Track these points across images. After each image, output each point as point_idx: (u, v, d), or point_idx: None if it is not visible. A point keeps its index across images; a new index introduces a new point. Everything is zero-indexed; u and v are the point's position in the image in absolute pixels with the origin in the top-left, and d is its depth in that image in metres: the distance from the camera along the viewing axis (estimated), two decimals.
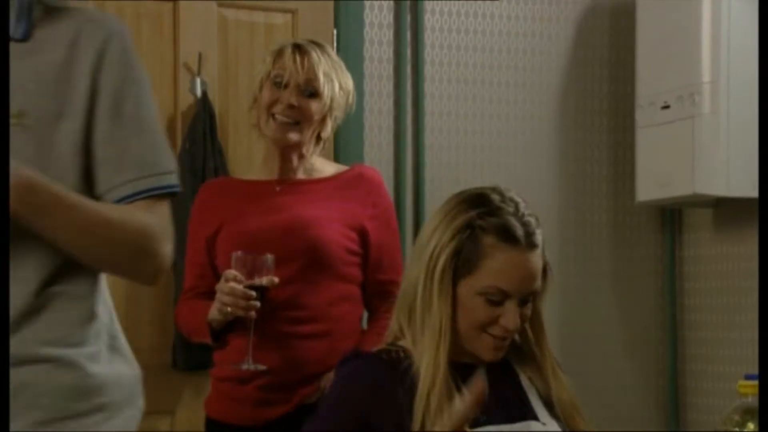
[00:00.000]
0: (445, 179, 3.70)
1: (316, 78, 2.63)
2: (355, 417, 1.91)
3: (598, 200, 3.94)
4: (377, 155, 3.63)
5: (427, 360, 1.90)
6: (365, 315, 2.81)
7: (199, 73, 3.45)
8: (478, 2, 3.82)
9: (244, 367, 2.58)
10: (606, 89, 3.97)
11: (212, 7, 3.51)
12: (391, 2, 3.70)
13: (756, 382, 1.88)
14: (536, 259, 1.94)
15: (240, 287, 2.52)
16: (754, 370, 3.44)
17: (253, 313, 2.54)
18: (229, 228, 2.69)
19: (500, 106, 3.84)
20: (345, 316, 2.67)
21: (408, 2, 3.72)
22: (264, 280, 2.53)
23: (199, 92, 3.43)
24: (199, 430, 3.42)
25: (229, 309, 2.55)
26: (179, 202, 3.32)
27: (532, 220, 1.95)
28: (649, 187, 3.70)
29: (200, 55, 3.45)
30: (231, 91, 3.52)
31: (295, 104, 2.63)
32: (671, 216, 4.00)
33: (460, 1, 3.79)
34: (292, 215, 2.65)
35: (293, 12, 3.59)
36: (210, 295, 2.67)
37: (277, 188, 2.71)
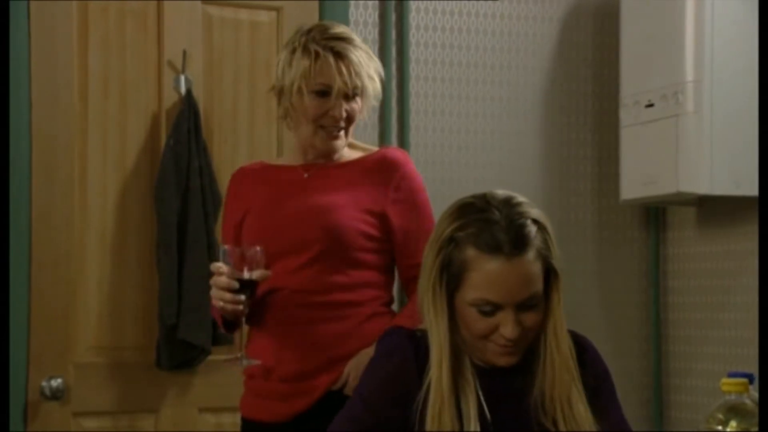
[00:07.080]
0: (430, 177, 3.70)
1: (361, 82, 2.61)
2: (391, 393, 1.94)
3: (582, 199, 3.95)
4: None
5: (435, 377, 1.92)
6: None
7: (183, 71, 3.44)
8: (463, 1, 3.82)
9: (241, 363, 2.55)
10: (590, 88, 3.97)
11: (197, 5, 3.50)
12: (376, 1, 3.70)
13: (739, 380, 1.89)
14: (526, 264, 1.88)
15: (223, 279, 2.48)
16: (738, 368, 3.46)
17: (240, 307, 2.50)
18: (253, 216, 2.67)
19: (485, 104, 3.84)
20: (362, 302, 2.62)
21: (393, 1, 3.71)
22: (254, 274, 2.49)
23: (183, 90, 3.42)
24: (183, 429, 3.42)
25: (221, 303, 2.52)
26: (166, 201, 3.34)
27: (526, 222, 1.89)
28: (633, 186, 3.71)
29: (185, 53, 3.44)
30: (216, 88, 3.51)
31: (344, 115, 2.63)
32: (655, 214, 4.00)
33: (445, 0, 3.79)
34: (310, 202, 2.62)
35: (278, 10, 3.58)
36: None
37: (305, 174, 2.68)
